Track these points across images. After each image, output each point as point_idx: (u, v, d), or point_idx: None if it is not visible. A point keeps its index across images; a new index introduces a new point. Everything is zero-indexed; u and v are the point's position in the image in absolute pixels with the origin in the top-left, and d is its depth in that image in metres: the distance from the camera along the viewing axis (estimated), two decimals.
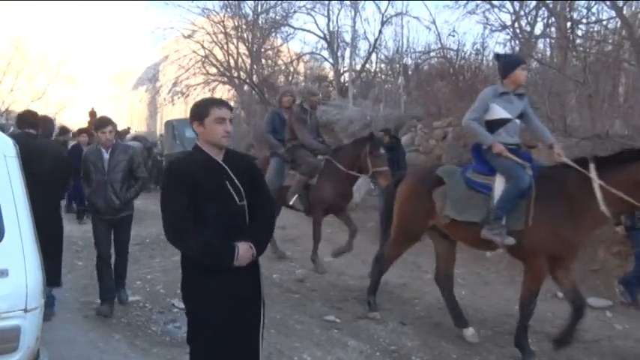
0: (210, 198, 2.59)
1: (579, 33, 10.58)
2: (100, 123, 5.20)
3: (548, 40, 12.30)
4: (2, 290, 2.32)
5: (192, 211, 2.57)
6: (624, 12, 9.06)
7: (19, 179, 2.56)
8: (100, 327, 4.81)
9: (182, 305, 5.31)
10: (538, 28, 12.88)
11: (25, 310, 2.37)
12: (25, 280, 2.38)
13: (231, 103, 24.58)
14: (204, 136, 2.71)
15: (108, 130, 5.12)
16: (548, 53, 12.40)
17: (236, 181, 2.66)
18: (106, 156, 5.14)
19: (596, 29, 10.45)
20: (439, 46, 14.50)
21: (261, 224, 2.76)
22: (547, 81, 9.86)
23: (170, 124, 14.34)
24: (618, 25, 9.53)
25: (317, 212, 6.93)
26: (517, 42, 12.37)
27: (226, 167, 2.68)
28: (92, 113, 15.38)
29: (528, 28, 12.74)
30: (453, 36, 14.32)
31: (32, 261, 2.45)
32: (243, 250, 2.58)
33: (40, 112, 18.54)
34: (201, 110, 2.72)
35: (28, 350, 2.40)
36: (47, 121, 7.31)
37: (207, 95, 22.23)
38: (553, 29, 11.84)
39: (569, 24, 10.14)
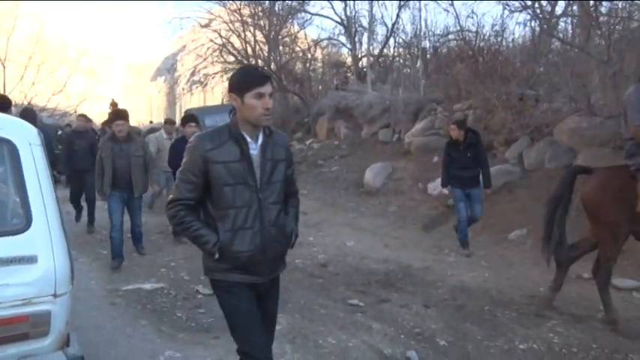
0: None
1: (603, 10, 10.33)
2: (253, 77, 2.49)
3: (570, 19, 12.03)
4: (32, 276, 2.36)
5: None
6: None
7: (45, 167, 2.59)
8: (126, 314, 4.89)
9: (206, 291, 5.41)
10: (559, 7, 12.62)
11: (55, 296, 2.40)
12: (53, 266, 2.42)
13: None
14: None
15: (268, 91, 2.48)
16: (570, 33, 12.15)
17: None
18: (255, 151, 2.55)
19: (620, 6, 10.18)
20: (458, 28, 14.32)
21: None
22: (569, 61, 9.67)
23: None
24: None
25: None
26: (537, 22, 12.14)
27: None
28: (113, 104, 15.62)
29: (549, 8, 12.48)
30: (472, 17, 14.16)
31: (60, 247, 2.49)
32: None
33: (62, 105, 18.78)
34: None
35: (59, 335, 2.44)
36: (28, 112, 7.42)
37: (225, 84, 22.34)
38: (575, 8, 11.58)
39: (592, 2, 9.90)
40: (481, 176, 6.81)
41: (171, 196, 2.59)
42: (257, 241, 2.50)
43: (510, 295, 5.31)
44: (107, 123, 14.72)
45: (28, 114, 7.22)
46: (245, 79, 2.51)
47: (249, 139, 2.52)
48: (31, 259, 2.38)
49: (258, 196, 2.51)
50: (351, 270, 6.25)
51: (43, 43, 19.45)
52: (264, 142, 2.56)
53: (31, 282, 2.36)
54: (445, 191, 7.33)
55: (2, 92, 15.28)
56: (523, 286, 5.58)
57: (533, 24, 12.30)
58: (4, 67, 17.31)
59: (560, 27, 12.51)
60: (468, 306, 5.01)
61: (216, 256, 2.50)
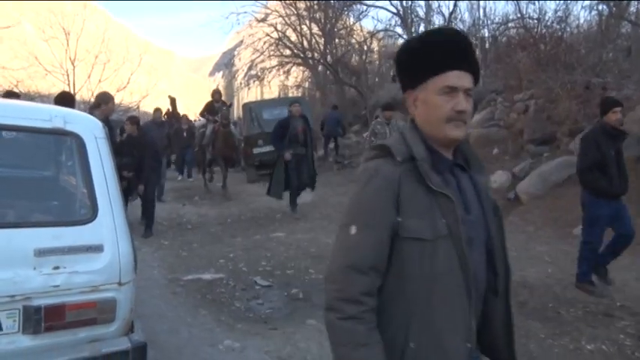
0: None
1: None
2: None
3: None
4: (98, 264, 2.45)
5: None
6: None
7: (109, 159, 2.67)
8: (187, 303, 5.01)
9: (264, 282, 5.47)
10: None
11: (120, 284, 2.48)
12: (118, 255, 2.50)
13: (306, 84, 24.89)
14: None
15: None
16: None
17: None
18: None
19: None
20: (518, 15, 13.87)
21: None
22: None
23: (248, 107, 14.62)
24: None
25: None
26: (606, 5, 11.55)
27: None
28: (172, 99, 15.99)
29: None
30: (533, 4, 13.65)
31: (124, 237, 2.56)
32: None
33: (125, 101, 19.44)
34: None
35: (124, 322, 2.52)
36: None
37: (282, 77, 22.51)
38: None
39: None
40: None
41: None
42: None
43: (575, 292, 5.09)
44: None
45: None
46: None
47: None
48: (97, 248, 2.47)
49: None
50: None
51: (107, 42, 20.22)
52: None
53: (98, 270, 2.44)
54: None
55: (72, 90, 16.01)
56: None
57: (600, 7, 11.75)
58: (74, 67, 18.11)
59: (631, 9, 11.89)
60: (530, 302, 4.85)
61: None
